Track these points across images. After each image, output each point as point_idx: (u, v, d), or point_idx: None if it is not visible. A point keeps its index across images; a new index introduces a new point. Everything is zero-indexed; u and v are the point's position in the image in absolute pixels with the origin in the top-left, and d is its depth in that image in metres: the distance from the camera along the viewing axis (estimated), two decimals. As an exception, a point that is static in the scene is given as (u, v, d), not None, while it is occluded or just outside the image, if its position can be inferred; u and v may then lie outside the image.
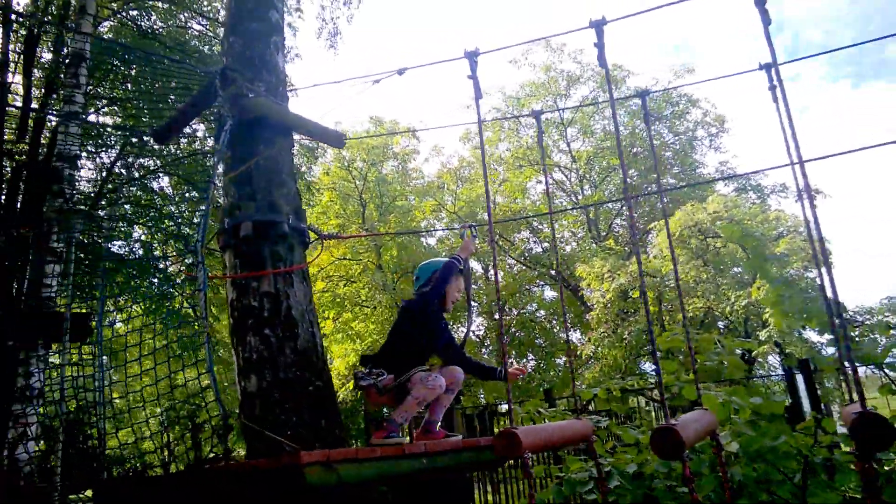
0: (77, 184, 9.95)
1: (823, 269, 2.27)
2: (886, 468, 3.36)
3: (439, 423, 3.82)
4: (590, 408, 8.17)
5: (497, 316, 24.63)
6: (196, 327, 3.16)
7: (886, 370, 3.98)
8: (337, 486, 2.78)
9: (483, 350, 24.49)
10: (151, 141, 6.06)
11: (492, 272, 24.86)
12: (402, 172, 24.40)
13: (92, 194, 10.91)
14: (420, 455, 3.20)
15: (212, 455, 3.00)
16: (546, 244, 23.92)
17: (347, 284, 20.86)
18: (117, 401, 4.06)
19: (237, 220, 4.12)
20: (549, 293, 25.59)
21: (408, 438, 3.86)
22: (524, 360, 24.89)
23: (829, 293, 2.26)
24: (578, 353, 17.02)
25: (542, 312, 24.81)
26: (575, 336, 22.66)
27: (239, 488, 2.81)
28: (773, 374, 11.25)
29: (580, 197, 22.79)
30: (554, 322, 24.89)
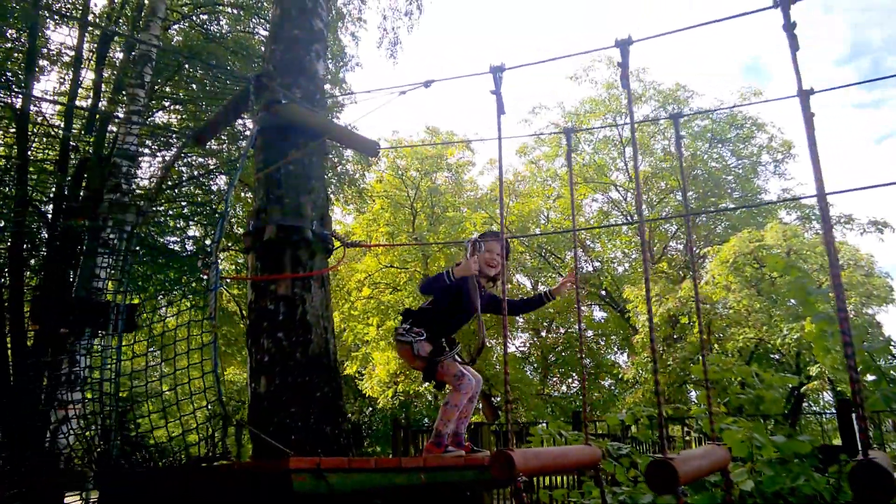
0: (135, 180, 10.37)
1: (837, 306, 2.14)
2: None
3: (465, 435, 3.90)
4: (621, 433, 7.95)
5: (543, 333, 24.37)
6: (206, 326, 3.20)
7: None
8: (327, 495, 2.77)
9: (526, 367, 24.25)
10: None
11: (540, 287, 24.63)
12: (455, 184, 24.45)
13: (150, 191, 11.35)
14: (417, 469, 3.16)
15: (210, 454, 3.03)
16: (597, 263, 23.53)
17: (393, 293, 21.00)
18: (167, 392, 4.17)
19: (262, 223, 4.20)
20: (599, 313, 25.16)
21: (477, 450, 3.92)
22: (568, 379, 24.51)
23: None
24: (621, 376, 16.63)
25: (591, 333, 24.39)
26: (621, 359, 22.20)
27: (227, 490, 2.84)
28: (826, 412, 10.70)
29: (635, 217, 22.31)
30: (602, 343, 24.45)
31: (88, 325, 6.28)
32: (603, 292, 22.78)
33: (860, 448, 2.09)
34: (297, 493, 2.59)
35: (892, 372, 3.80)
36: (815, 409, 16.57)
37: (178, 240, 12.70)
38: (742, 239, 14.40)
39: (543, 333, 24.46)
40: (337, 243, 4.51)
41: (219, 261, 3.37)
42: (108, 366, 4.68)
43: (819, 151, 2.22)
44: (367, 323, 20.40)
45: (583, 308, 24.57)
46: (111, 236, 7.38)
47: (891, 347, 4.05)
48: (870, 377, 3.98)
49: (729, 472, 3.04)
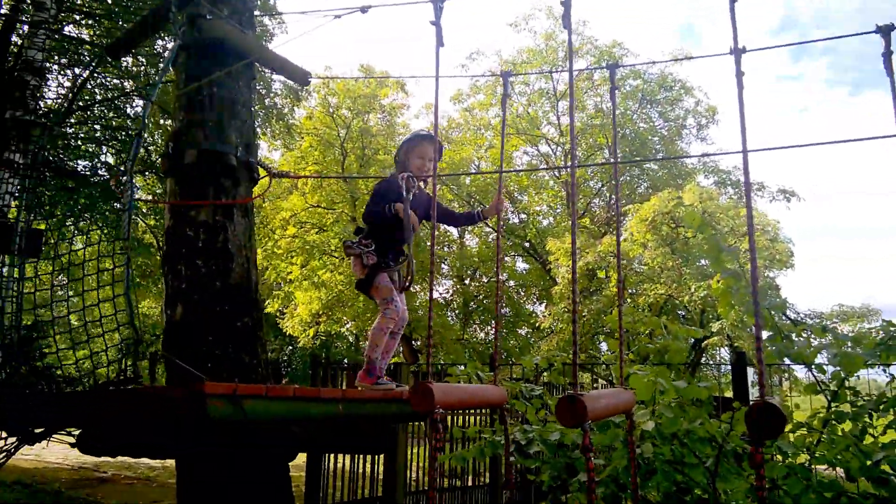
0: (43, 98, 9.64)
1: (748, 267, 2.26)
2: (788, 461, 3.41)
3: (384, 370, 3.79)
4: (534, 378, 8.26)
5: (466, 281, 24.74)
6: (119, 247, 3.05)
7: (815, 371, 4.01)
8: (243, 422, 2.74)
9: (449, 313, 24.64)
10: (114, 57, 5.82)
11: (467, 237, 24.87)
12: (388, 126, 24.03)
13: (60, 110, 10.59)
14: (336, 401, 3.18)
15: (122, 377, 2.94)
16: (524, 215, 23.91)
17: (319, 233, 20.71)
18: (75, 322, 3.98)
19: (183, 146, 4.00)
20: (522, 265, 25.70)
21: (399, 385, 3.82)
22: (487, 327, 25.10)
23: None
24: (538, 325, 17.18)
25: (513, 283, 24.93)
26: (539, 309, 22.87)
27: (139, 415, 2.77)
28: (723, 366, 11.44)
29: (563, 171, 22.71)
30: (522, 293, 25.06)
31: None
32: (527, 244, 23.24)
33: (760, 393, 2.21)
34: (212, 419, 2.55)
35: (785, 329, 4.06)
36: (712, 364, 17.68)
37: (90, 164, 11.96)
38: (662, 198, 14.93)
39: (467, 281, 24.82)
40: (263, 173, 4.36)
41: (134, 181, 3.20)
42: (11, 293, 4.42)
43: (746, 113, 2.29)
44: (290, 262, 20.12)
45: (506, 259, 25.07)
46: (15, 156, 6.89)
47: (785, 306, 4.33)
48: (766, 334, 4.24)
49: (632, 413, 3.20)
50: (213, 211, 3.86)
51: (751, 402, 2.12)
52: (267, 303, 21.24)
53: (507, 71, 3.65)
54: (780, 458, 3.41)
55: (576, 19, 21.90)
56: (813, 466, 3.40)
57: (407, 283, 3.66)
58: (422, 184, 3.78)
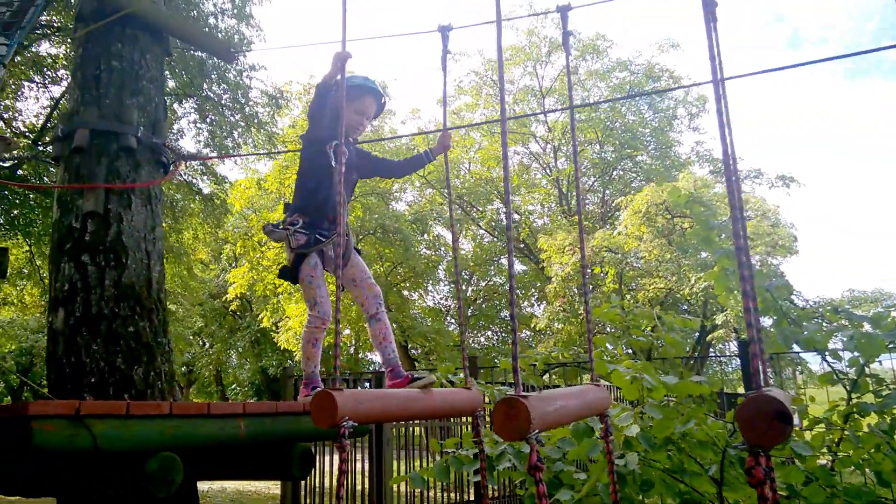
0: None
1: (739, 225, 1.70)
2: (807, 464, 2.84)
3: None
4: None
5: (462, 287, 24.12)
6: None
7: (829, 359, 3.44)
8: (94, 452, 2.12)
9: (449, 320, 24.00)
10: None
11: (462, 241, 24.29)
12: (375, 134, 23.48)
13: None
14: (233, 416, 2.58)
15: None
16: (517, 215, 23.30)
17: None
18: None
19: (73, 126, 3.44)
20: (520, 266, 25.06)
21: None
22: (486, 332, 24.44)
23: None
24: (533, 326, 16.55)
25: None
26: (538, 310, 22.22)
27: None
28: (732, 361, 10.81)
29: (553, 169, 22.15)
30: (520, 294, 24.42)
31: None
32: (522, 245, 22.63)
33: (754, 383, 1.67)
34: (39, 448, 1.96)
35: (792, 313, 3.49)
36: (722, 358, 17.02)
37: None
38: (655, 189, 14.33)
39: (463, 287, 24.19)
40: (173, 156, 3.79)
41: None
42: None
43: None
44: (277, 273, 19.54)
45: (502, 261, 24.48)
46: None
47: (790, 288, 3.74)
48: (769, 320, 3.66)
49: (606, 416, 2.59)
50: (105, 199, 3.29)
51: (744, 397, 1.56)
52: (262, 317, 20.65)
53: (444, 25, 3.12)
54: (798, 462, 2.82)
55: (557, 15, 21.39)
56: (837, 469, 2.81)
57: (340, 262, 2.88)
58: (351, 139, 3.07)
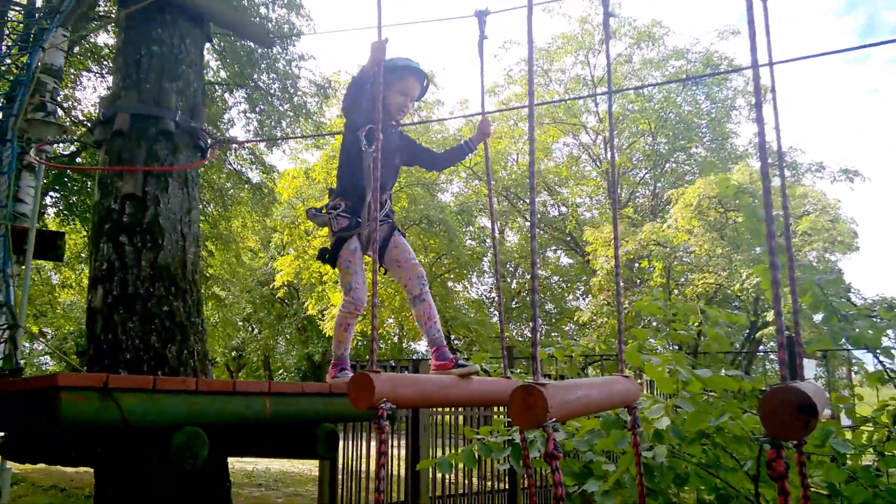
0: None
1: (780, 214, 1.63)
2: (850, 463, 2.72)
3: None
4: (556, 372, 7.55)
5: (507, 279, 24.01)
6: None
7: (882, 357, 3.27)
8: (121, 425, 2.17)
9: (493, 311, 23.92)
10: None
11: (507, 234, 24.15)
12: (424, 126, 23.49)
13: None
14: (259, 394, 2.60)
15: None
16: (563, 208, 23.00)
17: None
18: None
19: (115, 111, 3.52)
20: (566, 259, 24.76)
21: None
22: (530, 324, 24.26)
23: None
24: (577, 319, 16.33)
25: (556, 278, 24.04)
26: (583, 304, 21.94)
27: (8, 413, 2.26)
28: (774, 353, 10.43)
29: (604, 160, 21.75)
30: (565, 287, 24.17)
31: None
32: (568, 238, 22.35)
33: (781, 376, 1.61)
34: (66, 420, 2.00)
35: (847, 310, 3.32)
36: (773, 355, 16.46)
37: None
38: (708, 182, 13.91)
39: (508, 279, 24.05)
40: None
41: (16, 137, 2.71)
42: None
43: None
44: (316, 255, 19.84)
45: (548, 253, 24.23)
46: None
47: (842, 283, 3.56)
48: (818, 317, 3.50)
49: (635, 407, 2.51)
50: (143, 181, 3.36)
51: (766, 388, 1.49)
52: (306, 304, 21.00)
53: (481, 10, 3.07)
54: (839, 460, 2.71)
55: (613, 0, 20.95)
56: (883, 469, 2.68)
57: (370, 237, 2.65)
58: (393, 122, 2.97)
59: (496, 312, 23.70)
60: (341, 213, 2.80)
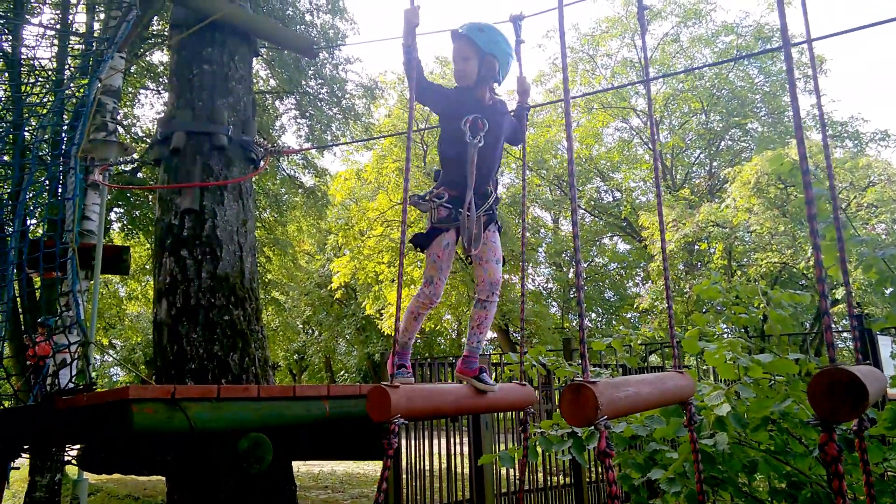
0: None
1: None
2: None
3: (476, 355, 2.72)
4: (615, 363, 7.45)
5: (563, 269, 23.79)
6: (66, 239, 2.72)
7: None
8: (190, 433, 2.28)
9: (551, 302, 23.76)
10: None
11: (561, 221, 23.92)
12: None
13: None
14: (318, 398, 2.68)
15: (77, 386, 2.59)
16: (618, 193, 22.63)
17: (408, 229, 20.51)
18: None
19: (171, 130, 3.67)
20: (623, 245, 24.35)
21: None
22: (591, 314, 23.97)
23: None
24: (636, 306, 16.05)
25: (614, 265, 23.68)
26: (643, 290, 21.55)
27: (73, 427, 2.40)
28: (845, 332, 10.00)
29: (657, 143, 21.26)
30: (623, 275, 23.79)
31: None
32: (623, 223, 21.97)
33: (830, 357, 1.59)
34: (139, 431, 2.12)
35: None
36: (846, 334, 15.80)
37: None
38: (765, 158, 13.42)
39: (563, 269, 23.84)
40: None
41: (78, 164, 2.87)
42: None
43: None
44: (378, 261, 20.05)
45: (605, 241, 23.88)
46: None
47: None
48: (888, 291, 3.37)
49: (691, 402, 2.49)
50: (200, 196, 3.49)
51: (816, 370, 1.47)
52: (364, 304, 21.31)
53: (516, 15, 3.07)
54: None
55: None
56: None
57: (468, 243, 2.65)
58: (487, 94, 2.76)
59: (554, 303, 23.57)
60: (444, 204, 2.69)
